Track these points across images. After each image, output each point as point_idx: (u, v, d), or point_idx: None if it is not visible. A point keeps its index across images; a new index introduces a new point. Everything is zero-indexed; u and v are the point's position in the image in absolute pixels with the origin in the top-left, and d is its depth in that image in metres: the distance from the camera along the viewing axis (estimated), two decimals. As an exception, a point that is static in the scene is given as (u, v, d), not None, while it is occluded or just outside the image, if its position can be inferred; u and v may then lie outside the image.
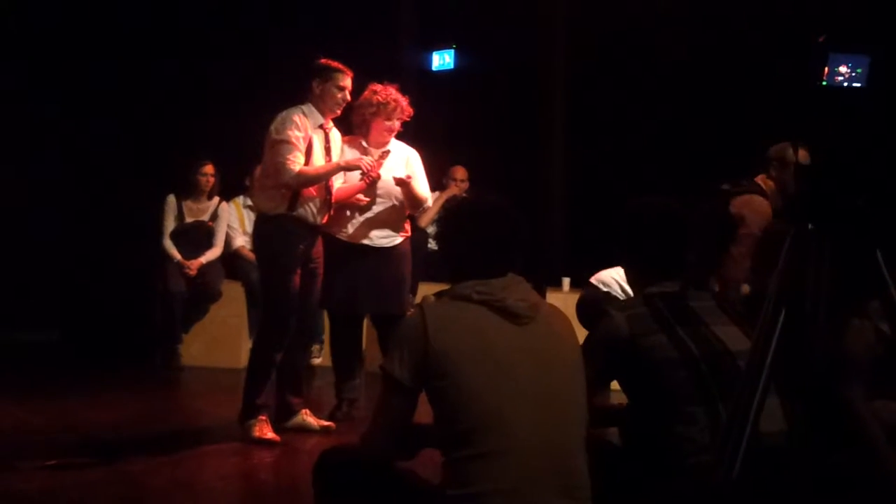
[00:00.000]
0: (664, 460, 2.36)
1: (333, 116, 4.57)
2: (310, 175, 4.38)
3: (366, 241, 4.72)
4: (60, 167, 7.28)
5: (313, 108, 4.47)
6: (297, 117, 4.38)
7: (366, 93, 4.70)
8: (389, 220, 4.75)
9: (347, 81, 4.50)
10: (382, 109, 4.66)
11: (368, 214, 4.72)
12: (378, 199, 4.72)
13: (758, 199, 4.37)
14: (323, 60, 4.49)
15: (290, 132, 4.34)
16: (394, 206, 4.74)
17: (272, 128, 4.40)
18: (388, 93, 4.68)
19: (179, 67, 7.23)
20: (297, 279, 4.47)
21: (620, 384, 2.57)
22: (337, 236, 4.72)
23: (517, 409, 2.18)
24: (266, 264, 4.57)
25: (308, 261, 4.53)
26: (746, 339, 2.35)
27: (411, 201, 4.73)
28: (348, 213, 4.71)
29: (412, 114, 4.77)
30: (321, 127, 4.50)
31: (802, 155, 4.37)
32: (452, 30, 7.53)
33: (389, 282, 4.74)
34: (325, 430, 4.62)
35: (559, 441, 2.21)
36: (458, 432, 2.17)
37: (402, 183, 4.60)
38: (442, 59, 7.52)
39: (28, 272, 7.19)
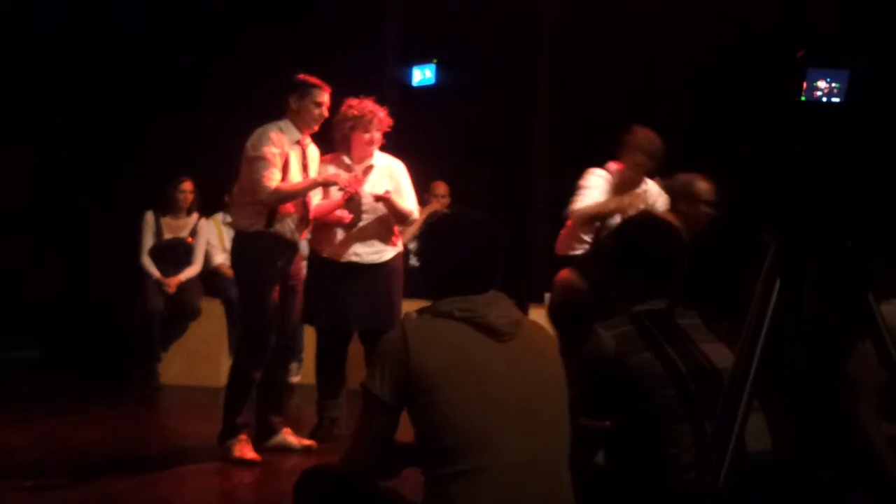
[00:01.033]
0: (649, 479, 2.35)
1: (311, 132, 4.54)
2: (286, 192, 4.36)
3: (355, 259, 4.69)
4: (39, 183, 7.22)
5: (290, 124, 4.44)
6: (274, 133, 4.36)
7: (342, 108, 4.69)
8: (377, 233, 4.72)
9: (325, 97, 4.47)
10: (360, 122, 4.64)
11: (355, 230, 4.69)
12: (364, 215, 4.69)
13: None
14: (301, 76, 4.47)
15: (266, 149, 4.31)
16: (380, 218, 4.71)
17: (248, 144, 4.38)
18: (363, 105, 4.66)
19: (158, 83, 7.20)
20: (275, 296, 4.43)
21: (607, 403, 2.56)
22: (324, 255, 4.71)
23: (499, 426, 2.16)
24: (244, 282, 4.53)
25: (287, 277, 4.50)
26: (733, 357, 2.34)
27: (396, 216, 4.70)
28: (335, 230, 4.69)
29: (391, 124, 4.74)
30: (298, 143, 4.47)
31: (706, 188, 4.44)
32: (433, 44, 7.54)
33: (380, 298, 4.71)
34: (306, 449, 4.58)
35: (542, 458, 2.20)
36: (440, 450, 2.16)
37: (382, 199, 4.58)
38: (423, 74, 7.54)
39: (7, 290, 7.12)
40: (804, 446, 2.05)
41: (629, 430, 2.47)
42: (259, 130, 4.38)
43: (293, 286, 4.55)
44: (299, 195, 4.43)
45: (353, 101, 4.69)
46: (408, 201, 4.74)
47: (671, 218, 4.31)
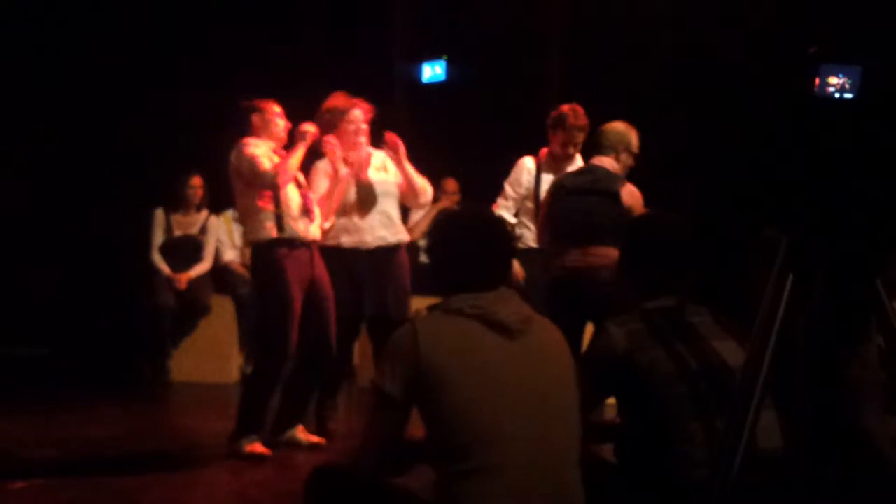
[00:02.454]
0: (660, 476, 2.35)
1: (281, 145, 4.54)
2: (283, 165, 4.36)
3: (381, 242, 4.69)
4: (48, 181, 7.24)
5: (261, 141, 4.47)
6: (251, 143, 4.41)
7: (324, 105, 4.69)
8: (394, 215, 4.77)
9: (277, 108, 4.53)
10: (338, 112, 4.64)
11: (374, 214, 4.69)
12: (381, 198, 4.71)
13: (632, 187, 4.40)
14: (245, 102, 4.52)
15: (250, 149, 4.37)
16: (393, 201, 4.76)
17: (232, 158, 4.41)
18: (339, 96, 4.67)
19: (166, 79, 7.20)
20: (298, 307, 4.36)
21: (617, 400, 2.56)
22: (346, 246, 4.67)
23: (510, 424, 2.16)
24: (268, 294, 4.44)
25: (312, 284, 4.44)
26: (744, 354, 2.34)
27: (412, 189, 4.72)
28: (353, 218, 4.68)
29: (375, 111, 4.74)
30: (274, 152, 4.50)
31: (637, 140, 4.55)
32: (443, 41, 7.53)
33: (403, 285, 4.74)
34: (314, 446, 4.57)
35: (553, 455, 2.20)
36: (450, 447, 2.16)
37: (399, 155, 4.62)
38: (433, 71, 7.52)
39: (15, 286, 7.14)
40: (815, 444, 2.05)
41: (640, 427, 2.47)
42: (236, 146, 4.41)
43: (322, 292, 4.48)
44: (294, 165, 4.41)
45: (333, 95, 4.73)
46: (418, 178, 4.76)
47: (610, 165, 4.36)
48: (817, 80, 2.05)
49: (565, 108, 4.95)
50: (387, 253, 4.70)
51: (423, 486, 2.31)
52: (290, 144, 4.52)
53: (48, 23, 7.26)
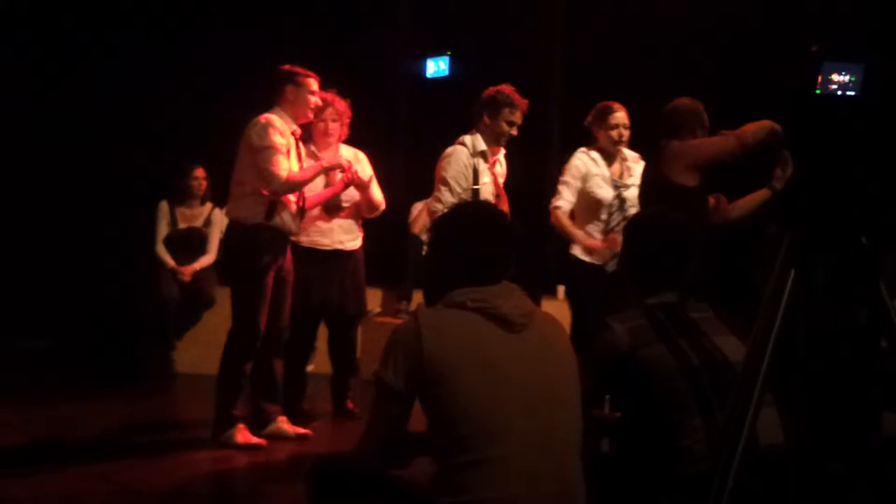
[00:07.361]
0: (661, 471, 2.36)
1: (305, 121, 4.56)
2: (297, 180, 4.36)
3: (339, 246, 4.92)
4: (52, 173, 7.25)
5: (286, 114, 4.44)
6: (278, 122, 4.35)
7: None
8: (353, 221, 4.96)
9: (316, 86, 4.51)
10: (315, 112, 4.66)
11: (336, 219, 4.89)
12: (343, 203, 4.90)
13: None
14: (287, 67, 4.48)
15: (273, 138, 4.29)
16: (354, 206, 4.94)
17: (252, 134, 4.32)
18: (322, 96, 4.68)
19: (171, 72, 7.21)
20: (268, 290, 4.40)
21: (619, 395, 2.56)
22: (304, 245, 4.82)
23: (511, 416, 2.17)
24: (239, 273, 4.47)
25: (280, 269, 4.48)
26: (746, 350, 2.35)
27: (368, 204, 4.87)
28: (315, 220, 4.85)
29: (351, 115, 4.86)
30: (292, 133, 4.48)
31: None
32: (447, 36, 7.53)
33: (360, 283, 5.01)
34: (301, 437, 4.58)
35: (553, 448, 2.21)
36: (452, 439, 2.17)
37: (363, 187, 4.73)
38: (437, 66, 7.52)
39: (20, 279, 7.15)
40: (814, 439, 2.06)
41: (641, 422, 2.48)
42: (261, 120, 4.34)
43: (285, 276, 4.52)
44: (308, 182, 4.43)
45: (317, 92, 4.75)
46: (378, 192, 4.92)
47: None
48: (820, 78, 2.06)
49: (505, 87, 4.75)
50: (343, 256, 4.91)
51: (425, 479, 2.32)
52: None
53: (50, 18, 7.26)
